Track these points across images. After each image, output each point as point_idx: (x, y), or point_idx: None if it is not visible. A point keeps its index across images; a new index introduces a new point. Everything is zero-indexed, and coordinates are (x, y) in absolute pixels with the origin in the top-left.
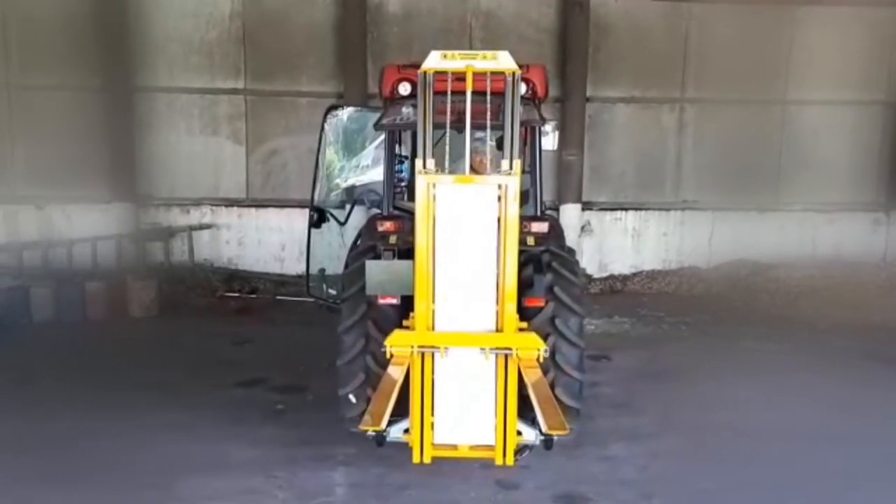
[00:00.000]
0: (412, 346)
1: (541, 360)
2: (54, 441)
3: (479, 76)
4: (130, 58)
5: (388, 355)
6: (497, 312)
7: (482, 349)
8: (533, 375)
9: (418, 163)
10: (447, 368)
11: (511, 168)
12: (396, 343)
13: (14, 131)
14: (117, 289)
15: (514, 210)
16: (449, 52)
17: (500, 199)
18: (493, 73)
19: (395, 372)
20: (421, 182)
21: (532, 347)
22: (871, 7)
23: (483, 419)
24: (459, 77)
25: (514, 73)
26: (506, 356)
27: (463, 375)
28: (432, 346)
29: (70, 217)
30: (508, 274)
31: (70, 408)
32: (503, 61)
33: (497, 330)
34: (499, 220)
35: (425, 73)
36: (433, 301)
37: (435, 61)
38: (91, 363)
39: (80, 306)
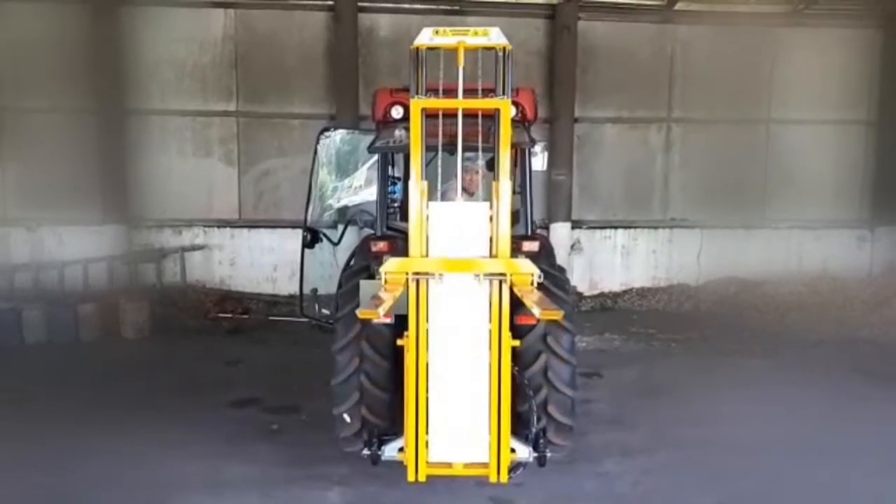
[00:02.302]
0: (407, 273)
1: (534, 284)
2: (54, 461)
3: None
4: (123, 81)
5: (382, 281)
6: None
7: (476, 275)
8: (533, 296)
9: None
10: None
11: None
12: (391, 270)
13: (6, 153)
14: (110, 310)
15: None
16: (440, 29)
17: (491, 219)
18: (484, 48)
19: (386, 295)
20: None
21: (526, 273)
22: (852, 28)
23: (477, 437)
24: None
25: (504, 49)
26: (500, 282)
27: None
28: (427, 273)
29: (62, 239)
30: (503, 197)
31: (66, 429)
32: (494, 37)
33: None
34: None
35: (417, 49)
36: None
37: (427, 38)
38: (85, 384)
39: (73, 328)
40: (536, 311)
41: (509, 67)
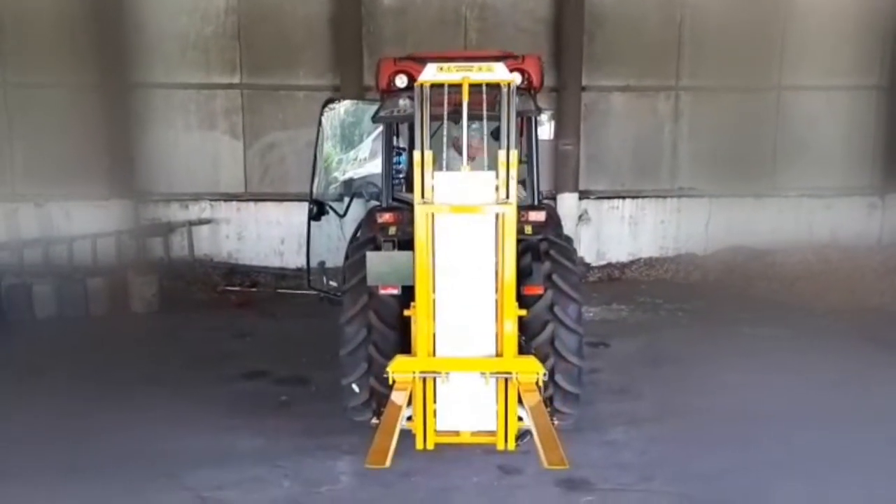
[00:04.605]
0: (414, 373)
1: (540, 383)
2: (68, 435)
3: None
4: (126, 54)
5: (390, 381)
6: (497, 337)
7: (482, 374)
8: (532, 399)
9: (416, 195)
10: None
11: (508, 198)
12: (398, 369)
13: (12, 129)
14: (118, 285)
15: (511, 238)
16: (445, 65)
17: (497, 188)
18: (488, 84)
19: (399, 398)
20: (420, 213)
21: (531, 371)
22: None
23: (484, 406)
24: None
25: (509, 85)
26: (506, 380)
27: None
28: (434, 372)
29: (69, 214)
30: (507, 298)
31: (78, 402)
32: (499, 73)
33: (497, 354)
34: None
35: (422, 85)
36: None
37: (431, 74)
38: (95, 358)
39: (83, 302)
40: (543, 461)
41: (513, 104)
